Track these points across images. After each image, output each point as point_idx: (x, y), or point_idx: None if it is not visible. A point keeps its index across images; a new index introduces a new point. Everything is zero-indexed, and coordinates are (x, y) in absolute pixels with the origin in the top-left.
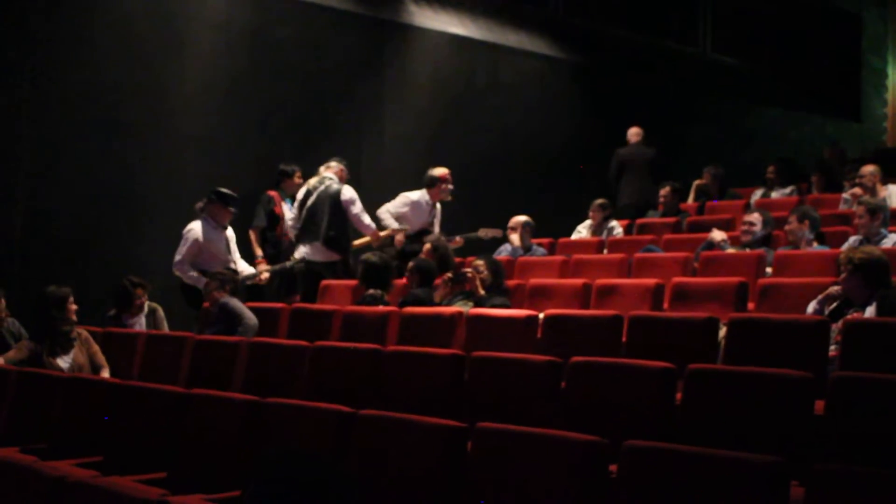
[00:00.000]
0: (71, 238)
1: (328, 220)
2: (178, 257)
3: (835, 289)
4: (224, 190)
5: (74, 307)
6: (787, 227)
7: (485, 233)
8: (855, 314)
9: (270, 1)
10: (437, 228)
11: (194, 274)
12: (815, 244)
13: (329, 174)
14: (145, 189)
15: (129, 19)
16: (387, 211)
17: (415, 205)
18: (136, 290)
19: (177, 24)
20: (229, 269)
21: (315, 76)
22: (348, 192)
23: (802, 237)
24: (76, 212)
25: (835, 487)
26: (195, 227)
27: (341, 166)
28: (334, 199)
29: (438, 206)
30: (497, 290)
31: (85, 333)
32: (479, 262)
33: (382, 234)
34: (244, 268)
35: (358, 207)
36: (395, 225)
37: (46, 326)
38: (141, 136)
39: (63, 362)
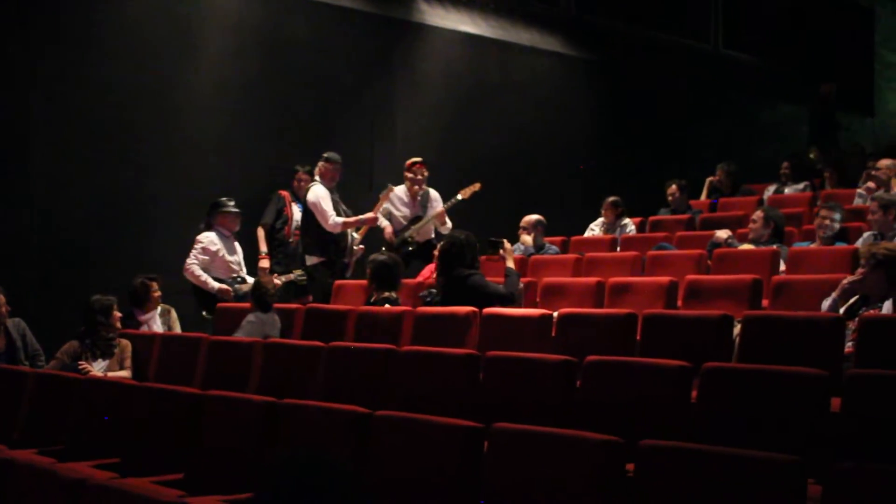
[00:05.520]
0: (83, 240)
1: (304, 224)
2: (189, 261)
3: (848, 280)
4: (219, 200)
5: (119, 315)
6: (816, 222)
7: (463, 193)
8: (872, 311)
9: (281, 1)
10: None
11: (204, 277)
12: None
13: (316, 175)
14: (157, 191)
15: (140, 22)
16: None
17: (392, 197)
18: (152, 283)
19: (188, 26)
20: (238, 277)
21: (327, 76)
22: (311, 194)
23: (831, 230)
24: (88, 214)
25: (852, 485)
26: (208, 235)
27: (323, 162)
28: (305, 202)
29: (433, 193)
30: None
31: (125, 342)
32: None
33: (350, 220)
34: (251, 280)
35: (320, 207)
36: (384, 223)
37: (90, 331)
38: (152, 137)
39: (98, 367)
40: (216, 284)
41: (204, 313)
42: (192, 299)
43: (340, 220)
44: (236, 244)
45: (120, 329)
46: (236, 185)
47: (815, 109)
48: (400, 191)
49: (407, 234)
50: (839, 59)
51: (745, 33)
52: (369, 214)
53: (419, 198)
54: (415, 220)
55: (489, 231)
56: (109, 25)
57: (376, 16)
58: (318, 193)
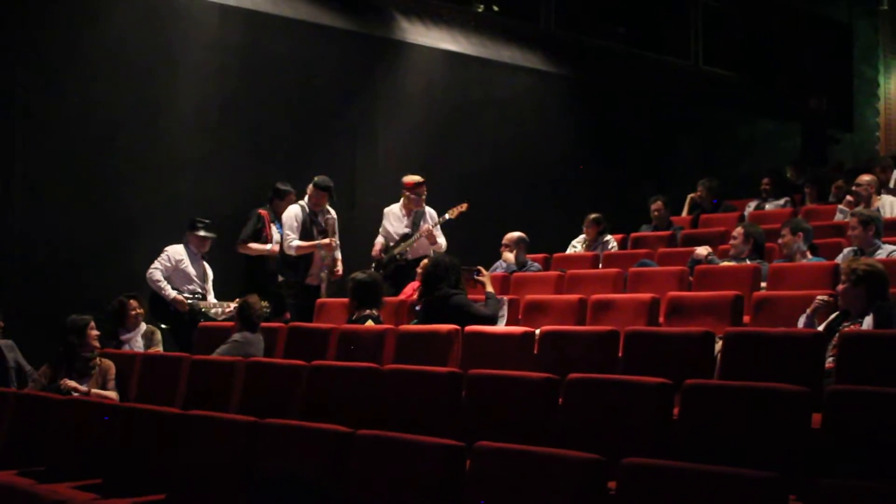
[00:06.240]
0: (65, 259)
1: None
2: (152, 267)
3: (821, 299)
4: (197, 218)
5: (95, 333)
6: (780, 241)
7: (451, 213)
8: (852, 326)
9: (262, 19)
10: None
11: (163, 283)
12: (809, 255)
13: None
14: (139, 209)
15: (122, 40)
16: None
17: (388, 215)
18: (129, 301)
19: (169, 45)
20: (198, 294)
21: (308, 94)
22: (284, 214)
23: (797, 249)
24: (69, 232)
25: (833, 502)
26: (175, 247)
27: (311, 185)
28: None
29: (429, 211)
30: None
31: (107, 363)
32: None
33: (305, 245)
34: (214, 301)
35: (285, 227)
36: (379, 240)
37: (66, 353)
38: (134, 155)
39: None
40: (172, 293)
41: (161, 324)
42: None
43: (296, 243)
44: (205, 264)
45: (98, 348)
46: (218, 204)
47: (805, 124)
48: (395, 208)
49: (396, 251)
50: (818, 74)
51: (724, 49)
52: (325, 240)
53: (413, 216)
54: (405, 237)
55: (471, 247)
56: (91, 44)
57: (357, 34)
58: (288, 214)
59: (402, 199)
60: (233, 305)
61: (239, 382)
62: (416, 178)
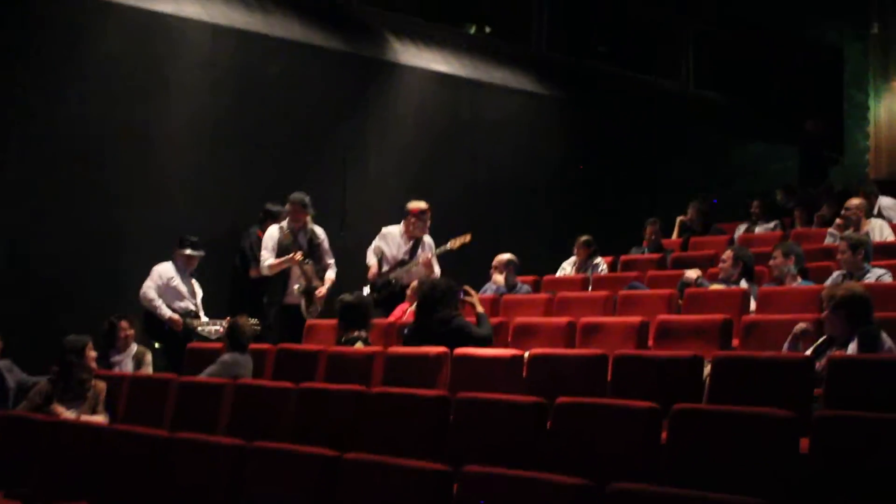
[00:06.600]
0: (55, 277)
1: None
2: (144, 286)
3: (801, 326)
4: (185, 236)
5: (93, 354)
6: (771, 263)
7: (453, 243)
8: (837, 352)
9: (254, 40)
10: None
11: (158, 302)
12: (799, 279)
13: None
14: (130, 227)
15: (115, 59)
16: (372, 245)
17: (386, 236)
18: (120, 322)
19: (161, 63)
20: (192, 312)
21: (299, 114)
22: (264, 237)
23: (787, 272)
24: (60, 251)
25: None
26: (164, 265)
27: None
28: None
29: (427, 240)
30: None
31: (101, 385)
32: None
33: (275, 262)
34: (206, 319)
35: (262, 248)
36: (373, 261)
37: (64, 373)
38: (126, 174)
39: (69, 412)
40: (168, 312)
41: (157, 344)
42: (142, 324)
43: (269, 262)
44: (193, 281)
45: (95, 370)
46: (209, 222)
47: (802, 146)
48: (395, 231)
49: (392, 275)
50: (809, 98)
51: (715, 73)
52: (291, 255)
53: (413, 242)
54: (402, 263)
55: (461, 269)
56: (84, 63)
57: (349, 54)
58: (266, 235)
59: (403, 223)
60: (225, 324)
61: (227, 404)
62: (422, 205)
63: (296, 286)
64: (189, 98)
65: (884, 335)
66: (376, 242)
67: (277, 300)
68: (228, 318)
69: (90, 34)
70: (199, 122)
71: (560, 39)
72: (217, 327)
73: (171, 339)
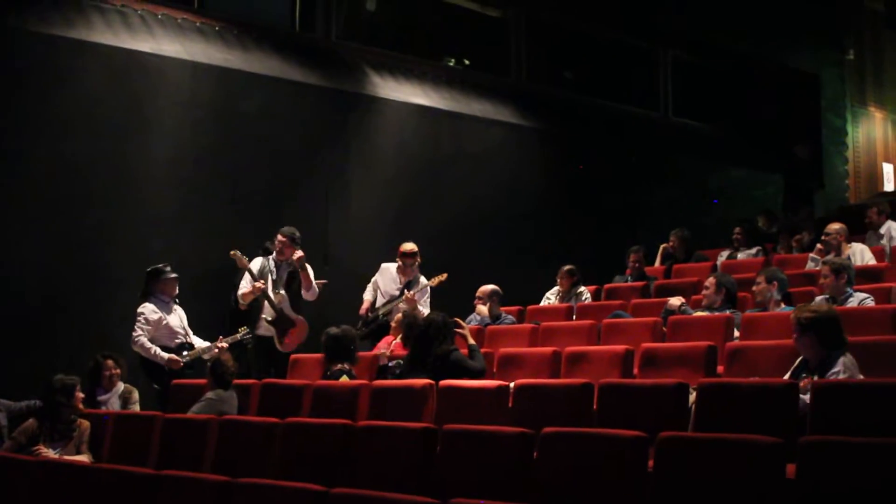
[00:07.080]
0: (37, 314)
1: None
2: (135, 334)
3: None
4: (154, 267)
5: (81, 396)
6: (754, 288)
7: (432, 281)
8: (811, 377)
9: (234, 75)
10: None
11: (154, 350)
12: (782, 305)
13: None
14: (112, 265)
15: (95, 97)
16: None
17: (384, 272)
18: (106, 360)
19: (141, 101)
20: (185, 343)
21: (280, 149)
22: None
23: (771, 298)
24: (42, 288)
25: None
26: (147, 306)
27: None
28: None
29: (423, 280)
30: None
31: (85, 424)
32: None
33: (246, 292)
34: (199, 342)
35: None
36: (367, 296)
37: (50, 412)
38: (107, 211)
39: (53, 452)
40: (165, 355)
41: (155, 386)
42: (142, 372)
43: (240, 293)
44: (177, 307)
45: (83, 410)
46: (192, 257)
47: (787, 172)
48: (392, 267)
49: (382, 310)
50: (786, 124)
51: (694, 100)
52: (257, 284)
53: (406, 280)
54: (392, 298)
55: (445, 300)
56: (64, 102)
57: (329, 89)
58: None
59: (398, 263)
60: (222, 343)
61: (212, 441)
62: (409, 248)
63: (264, 317)
64: (170, 135)
65: (842, 359)
66: (375, 277)
67: (252, 332)
68: (220, 336)
69: (71, 73)
70: (180, 159)
71: (539, 70)
72: (212, 350)
73: (172, 379)
